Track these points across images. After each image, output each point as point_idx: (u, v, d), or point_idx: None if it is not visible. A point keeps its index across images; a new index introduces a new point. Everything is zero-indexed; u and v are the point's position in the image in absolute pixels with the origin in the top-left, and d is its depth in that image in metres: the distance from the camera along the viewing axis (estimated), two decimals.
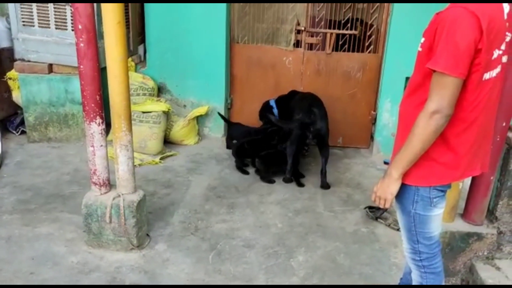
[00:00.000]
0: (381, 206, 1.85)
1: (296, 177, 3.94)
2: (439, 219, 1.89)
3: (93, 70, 2.58)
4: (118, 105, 2.62)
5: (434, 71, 1.58)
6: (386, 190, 1.79)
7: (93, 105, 2.63)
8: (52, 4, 4.06)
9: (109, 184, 2.86)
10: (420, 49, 1.73)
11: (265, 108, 4.51)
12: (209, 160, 4.32)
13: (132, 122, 4.12)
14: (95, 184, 2.80)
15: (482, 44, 1.52)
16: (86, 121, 2.67)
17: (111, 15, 2.42)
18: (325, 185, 3.83)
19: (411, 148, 1.67)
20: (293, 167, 3.91)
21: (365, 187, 3.88)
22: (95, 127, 2.68)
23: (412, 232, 1.88)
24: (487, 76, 1.62)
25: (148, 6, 4.50)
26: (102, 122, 2.70)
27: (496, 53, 1.60)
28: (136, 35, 4.69)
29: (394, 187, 1.77)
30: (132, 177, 2.81)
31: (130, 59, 4.65)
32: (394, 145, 1.93)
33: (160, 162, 4.18)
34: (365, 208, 3.42)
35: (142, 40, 4.76)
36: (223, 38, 4.48)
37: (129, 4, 4.40)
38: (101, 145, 2.74)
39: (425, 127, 1.61)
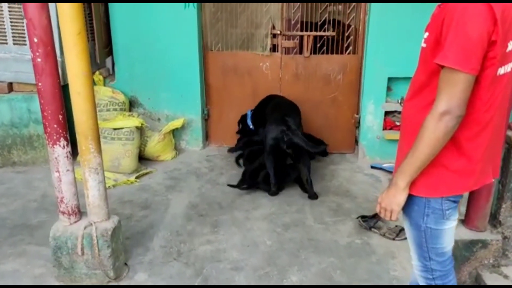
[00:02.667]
0: (387, 219, 1.66)
1: (301, 185, 3.81)
2: (452, 233, 1.70)
3: (53, 87, 2.31)
4: (84, 125, 2.36)
5: (443, 67, 1.40)
6: (392, 201, 1.60)
7: (55, 126, 2.37)
8: (8, 18, 3.76)
9: (79, 212, 2.59)
10: (423, 45, 1.55)
11: (242, 120, 4.34)
12: (188, 175, 4.07)
13: (104, 140, 3.90)
14: (63, 213, 2.53)
15: (496, 35, 1.34)
16: (49, 144, 2.40)
17: (70, 25, 2.16)
18: (312, 195, 3.63)
19: (419, 153, 1.49)
20: (276, 179, 3.69)
21: (355, 195, 3.70)
22: (60, 150, 2.41)
23: (424, 248, 1.69)
24: (501, 71, 1.44)
25: (114, 16, 4.24)
26: (67, 144, 2.43)
27: (511, 45, 1.43)
28: (103, 47, 4.41)
29: (401, 198, 1.59)
30: (104, 203, 2.55)
31: (98, 72, 4.38)
32: (397, 152, 1.74)
33: (135, 181, 3.91)
34: (358, 217, 3.23)
35: (110, 52, 4.49)
36: (196, 46, 4.25)
37: (93, 14, 4.13)
38: (68, 170, 2.47)
39: (434, 130, 1.43)
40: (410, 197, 1.61)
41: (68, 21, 2.16)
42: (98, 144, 2.46)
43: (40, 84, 2.29)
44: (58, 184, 2.48)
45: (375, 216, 3.20)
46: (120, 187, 3.82)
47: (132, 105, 4.53)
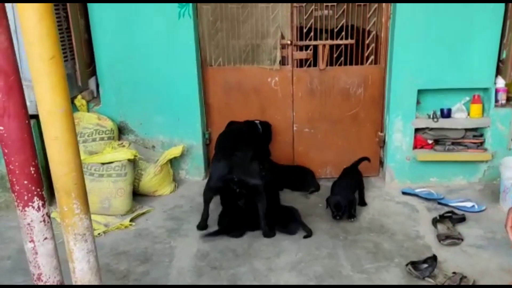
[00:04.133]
0: None
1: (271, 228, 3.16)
2: None
3: (21, 131, 1.71)
4: (64, 179, 1.75)
5: None
6: None
7: (26, 182, 1.75)
8: None
9: None
10: None
11: None
12: (192, 213, 3.47)
13: (90, 177, 3.28)
14: None
15: None
16: (18, 206, 1.79)
17: (38, 47, 1.56)
18: (267, 234, 3.11)
19: None
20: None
21: (392, 230, 3.14)
22: (33, 214, 1.79)
23: None
24: None
25: (96, 30, 3.64)
26: (43, 204, 1.82)
27: None
28: (85, 67, 3.80)
29: None
30: (96, 277, 1.94)
31: (80, 96, 3.77)
32: None
33: (130, 224, 3.29)
34: (407, 264, 2.66)
35: (93, 72, 3.88)
36: (193, 61, 3.68)
37: (72, 29, 3.52)
38: (46, 238, 1.85)
39: None
40: None
41: (36, 41, 1.56)
42: (85, 202, 1.85)
43: (2, 128, 1.68)
44: (33, 258, 1.86)
45: (427, 261, 2.65)
46: (112, 233, 3.20)
47: (121, 132, 3.92)
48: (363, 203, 3.47)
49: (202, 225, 3.22)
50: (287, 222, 3.14)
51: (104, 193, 3.30)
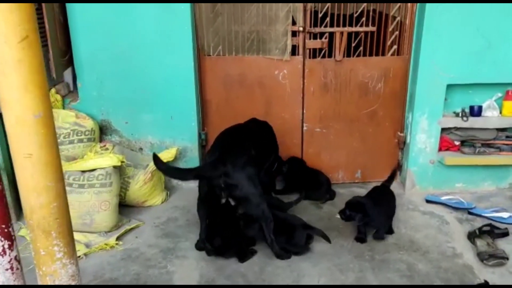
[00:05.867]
0: None
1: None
2: None
3: None
4: (41, 213, 1.25)
5: None
6: None
7: None
8: None
9: None
10: None
11: None
12: (189, 228, 2.97)
13: (69, 188, 2.72)
14: None
15: None
16: None
17: (3, 24, 1.04)
18: (278, 255, 2.63)
19: None
20: (208, 234, 2.71)
21: (424, 248, 2.72)
22: None
23: None
24: None
25: (74, 13, 3.08)
26: (10, 246, 1.31)
27: None
28: (59, 56, 3.23)
29: None
30: None
31: (54, 90, 3.21)
32: None
33: (117, 244, 2.77)
34: None
35: (69, 62, 3.31)
36: (189, 50, 3.16)
37: (44, 11, 2.95)
38: None
39: None
40: None
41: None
42: (71, 242, 1.35)
43: None
44: None
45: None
46: (95, 255, 2.68)
47: (103, 132, 3.38)
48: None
49: (201, 245, 2.73)
50: (290, 233, 2.66)
51: (85, 206, 2.77)
